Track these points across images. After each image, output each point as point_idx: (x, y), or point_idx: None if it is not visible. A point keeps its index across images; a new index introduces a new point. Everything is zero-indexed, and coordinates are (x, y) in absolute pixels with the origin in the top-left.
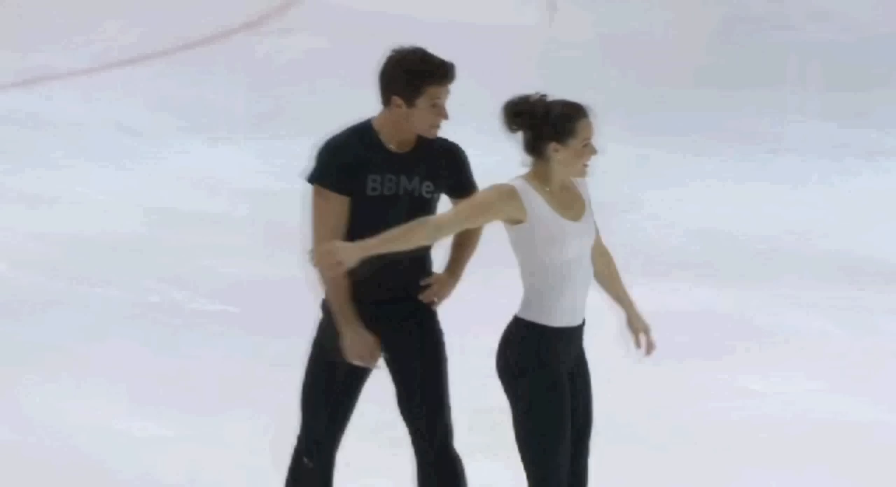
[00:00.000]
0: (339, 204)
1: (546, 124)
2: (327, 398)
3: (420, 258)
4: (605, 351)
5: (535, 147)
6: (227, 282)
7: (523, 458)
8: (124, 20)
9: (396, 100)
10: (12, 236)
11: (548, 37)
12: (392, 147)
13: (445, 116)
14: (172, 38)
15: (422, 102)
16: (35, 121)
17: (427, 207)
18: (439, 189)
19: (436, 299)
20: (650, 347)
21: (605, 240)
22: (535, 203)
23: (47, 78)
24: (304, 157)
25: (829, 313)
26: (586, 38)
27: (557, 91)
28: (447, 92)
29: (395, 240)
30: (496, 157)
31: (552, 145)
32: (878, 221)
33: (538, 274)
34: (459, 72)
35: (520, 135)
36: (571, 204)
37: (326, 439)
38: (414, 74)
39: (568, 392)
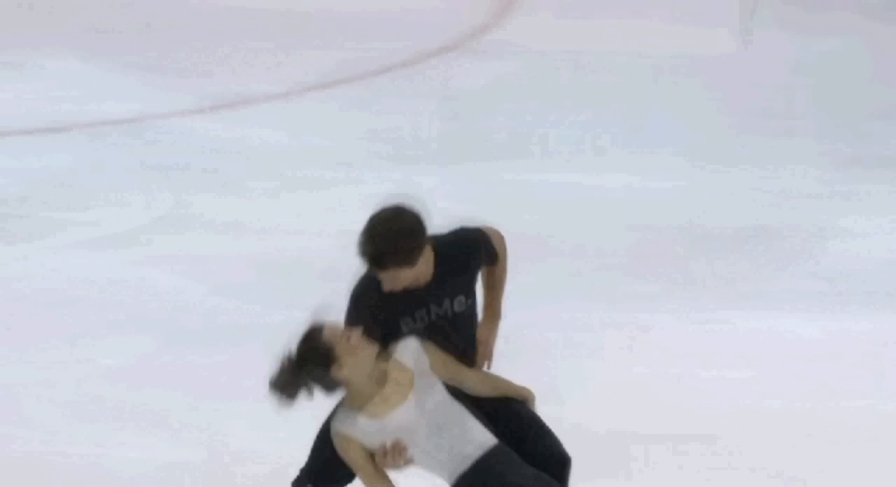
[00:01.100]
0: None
1: (313, 370)
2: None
3: (465, 347)
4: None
5: (328, 387)
6: None
7: None
8: (321, 46)
9: None
10: (207, 261)
11: (740, 66)
12: (411, 286)
13: (388, 288)
14: (368, 64)
15: None
16: (229, 147)
17: (468, 316)
18: (471, 291)
19: (487, 362)
20: None
21: (792, 266)
22: (365, 427)
23: (241, 103)
24: (493, 182)
25: None
26: (780, 66)
27: (749, 121)
28: (387, 274)
29: None
30: (689, 181)
31: (332, 371)
32: None
33: (418, 456)
34: (651, 102)
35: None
36: (396, 387)
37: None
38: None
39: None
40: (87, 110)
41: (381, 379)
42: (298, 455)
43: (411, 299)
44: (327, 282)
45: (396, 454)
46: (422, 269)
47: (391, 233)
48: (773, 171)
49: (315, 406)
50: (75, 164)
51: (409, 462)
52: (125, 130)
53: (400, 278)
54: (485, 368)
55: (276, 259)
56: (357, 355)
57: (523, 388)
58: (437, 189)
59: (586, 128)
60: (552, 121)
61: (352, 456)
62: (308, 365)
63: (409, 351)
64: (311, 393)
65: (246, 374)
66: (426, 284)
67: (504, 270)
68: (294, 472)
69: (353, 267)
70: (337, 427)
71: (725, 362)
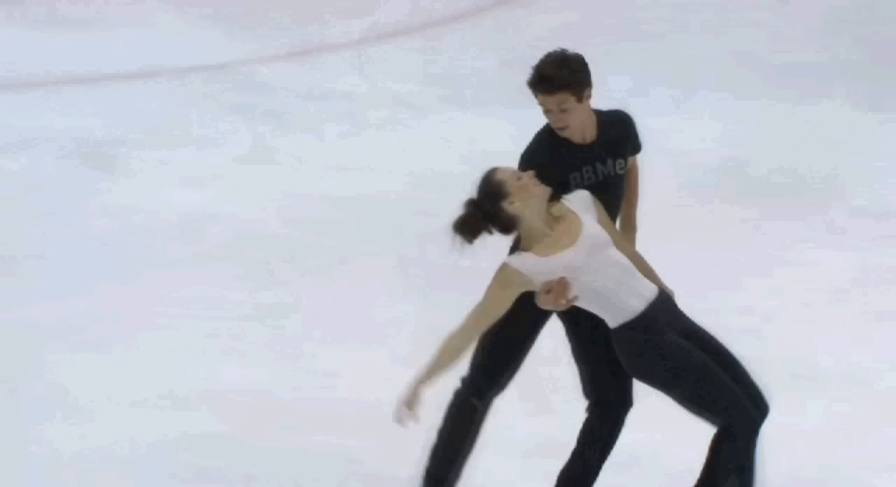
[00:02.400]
0: None
1: (487, 204)
2: (510, 342)
3: (615, 214)
4: None
5: (503, 225)
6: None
7: (710, 411)
8: None
9: None
10: (282, 196)
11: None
12: (578, 140)
13: (556, 124)
14: (434, 14)
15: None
16: (307, 91)
17: (623, 184)
18: (627, 160)
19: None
20: None
21: None
22: (534, 266)
23: (320, 49)
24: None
25: None
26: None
27: None
28: (555, 101)
29: (436, 368)
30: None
31: (504, 205)
32: None
33: (584, 297)
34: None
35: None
36: (567, 231)
37: (498, 383)
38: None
39: (685, 343)
40: (173, 58)
41: (553, 222)
42: None
43: (578, 155)
44: (399, 216)
45: (560, 291)
46: (586, 121)
47: (563, 58)
48: None
49: None
50: (164, 109)
51: (570, 301)
52: (208, 77)
53: (566, 113)
54: None
55: (348, 194)
56: (528, 192)
57: (666, 286)
58: (499, 129)
59: (641, 74)
60: (611, 70)
61: (503, 281)
62: (483, 199)
63: (581, 201)
64: (489, 232)
65: (328, 308)
66: (591, 142)
67: (637, 185)
68: None
69: (421, 202)
70: (507, 260)
71: None
